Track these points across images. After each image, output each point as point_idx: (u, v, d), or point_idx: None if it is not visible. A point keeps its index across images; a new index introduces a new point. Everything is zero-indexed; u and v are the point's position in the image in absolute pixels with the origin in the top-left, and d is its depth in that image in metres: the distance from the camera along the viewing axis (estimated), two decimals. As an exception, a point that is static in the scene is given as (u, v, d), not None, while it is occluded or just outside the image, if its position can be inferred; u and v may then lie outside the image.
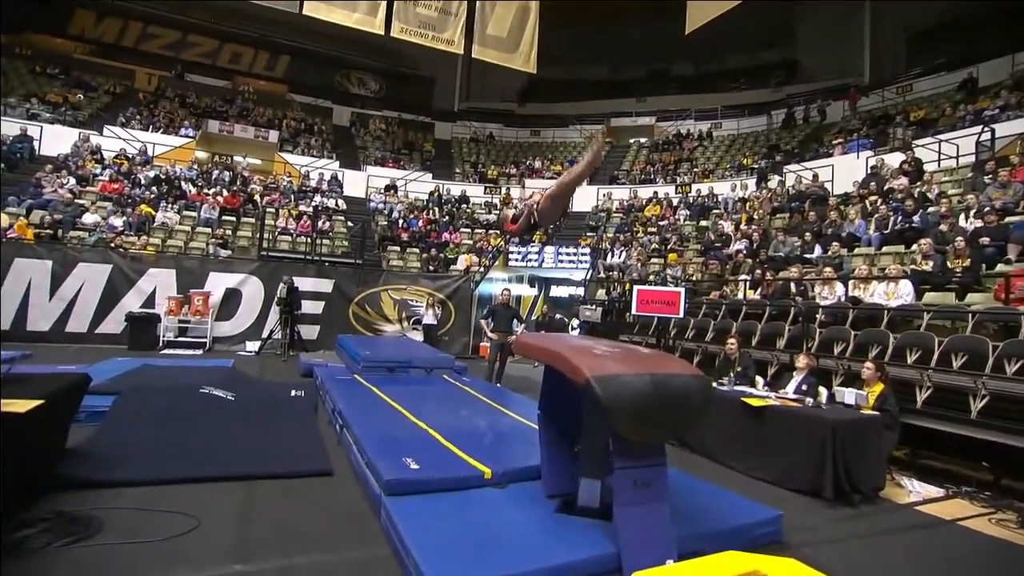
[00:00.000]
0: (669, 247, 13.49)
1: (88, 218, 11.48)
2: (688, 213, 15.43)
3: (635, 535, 2.73)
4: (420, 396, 5.87)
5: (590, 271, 13.72)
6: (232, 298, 10.39)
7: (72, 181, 12.42)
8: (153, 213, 12.45)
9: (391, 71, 24.78)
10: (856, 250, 8.97)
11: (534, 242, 15.33)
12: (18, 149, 13.40)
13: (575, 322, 11.43)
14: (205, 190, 14.38)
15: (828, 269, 8.00)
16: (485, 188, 19.16)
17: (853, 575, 3.13)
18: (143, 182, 13.66)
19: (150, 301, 9.86)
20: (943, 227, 7.69)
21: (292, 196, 15.48)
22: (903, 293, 6.71)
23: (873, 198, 10.33)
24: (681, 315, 8.20)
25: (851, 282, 7.52)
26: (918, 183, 10.10)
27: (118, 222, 11.54)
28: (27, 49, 18.48)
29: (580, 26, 21.25)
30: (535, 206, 3.88)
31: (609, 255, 14.00)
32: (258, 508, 3.46)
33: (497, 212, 17.43)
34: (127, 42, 21.35)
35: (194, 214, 13.17)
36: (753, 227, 11.77)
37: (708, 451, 5.21)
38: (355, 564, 2.88)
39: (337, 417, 5.15)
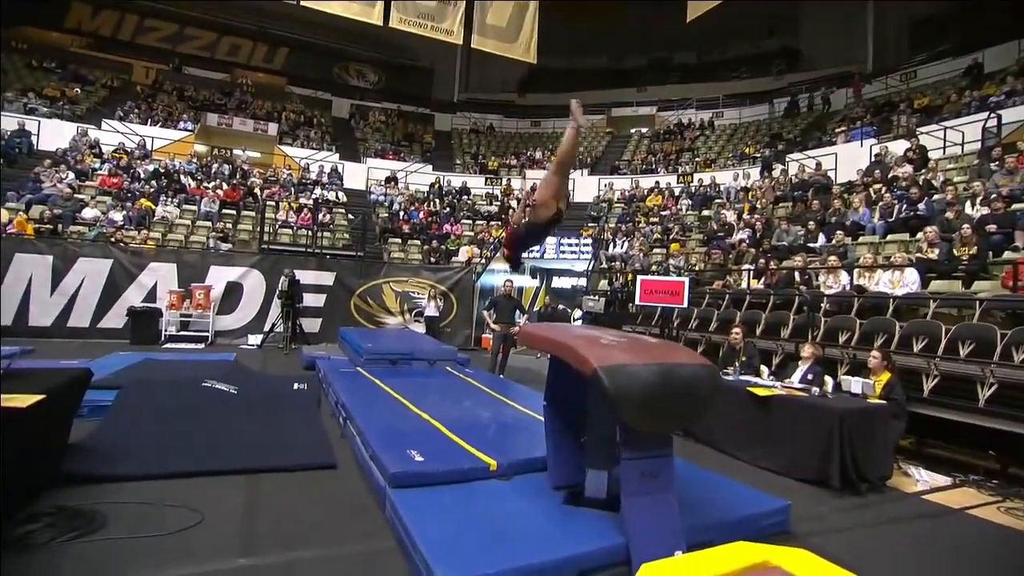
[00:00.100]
0: (671, 237, 13.43)
1: (88, 213, 11.44)
2: (690, 203, 15.35)
3: (643, 526, 2.70)
4: (423, 388, 5.84)
5: (592, 262, 13.67)
6: (233, 292, 10.36)
7: (71, 176, 12.37)
8: (153, 207, 12.40)
9: (390, 62, 24.59)
10: (860, 239, 8.92)
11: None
12: (16, 144, 13.34)
13: (578, 313, 11.39)
14: (205, 184, 14.32)
15: (832, 258, 7.95)
16: (486, 179, 19.07)
17: (862, 565, 3.10)
18: (142, 176, 13.60)
19: (151, 295, 9.83)
20: (949, 215, 7.63)
21: (292, 189, 15.42)
22: (909, 281, 6.66)
23: (877, 186, 10.25)
24: (685, 305, 8.16)
25: (856, 271, 7.47)
26: (923, 171, 10.03)
27: (118, 216, 11.50)
28: (23, 43, 18.35)
29: (580, 15, 21.03)
30: (531, 196, 3.84)
31: (611, 245, 13.95)
32: (262, 502, 3.44)
33: (498, 202, 17.39)
34: (124, 35, 21.19)
35: (194, 208, 13.12)
36: (756, 216, 11.71)
37: (713, 441, 5.19)
38: (360, 557, 2.86)
39: (340, 410, 5.13)
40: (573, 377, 3.06)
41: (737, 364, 5.95)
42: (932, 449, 5.48)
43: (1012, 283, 5.88)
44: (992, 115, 10.42)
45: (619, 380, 2.57)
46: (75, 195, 11.81)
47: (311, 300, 10.63)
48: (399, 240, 14.74)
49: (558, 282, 13.83)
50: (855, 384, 4.88)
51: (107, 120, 15.75)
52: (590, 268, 13.37)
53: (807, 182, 12.41)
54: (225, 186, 14.36)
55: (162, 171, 13.99)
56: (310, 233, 12.65)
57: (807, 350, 5.68)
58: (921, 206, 8.39)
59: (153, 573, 2.56)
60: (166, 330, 9.70)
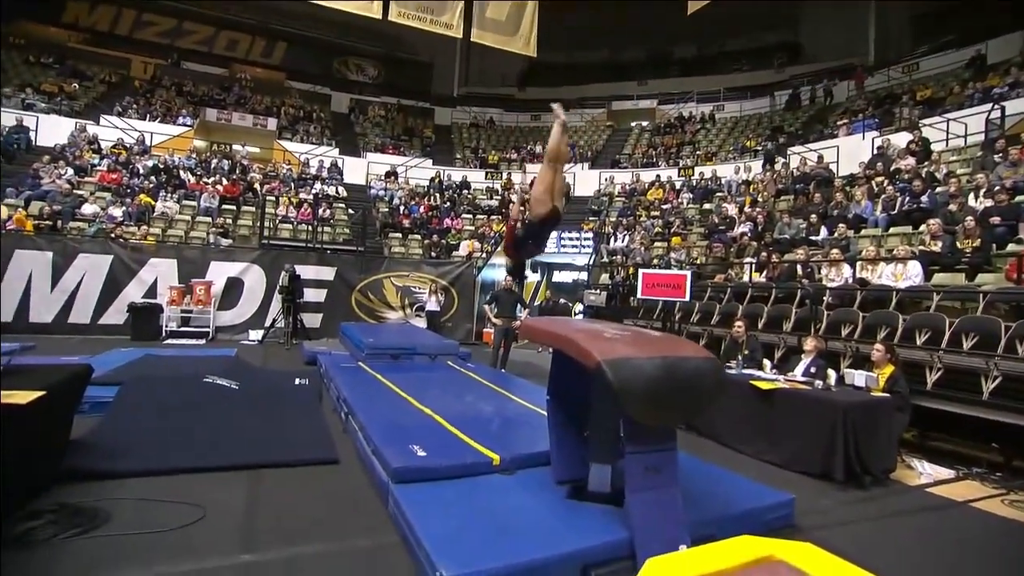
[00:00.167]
0: (672, 231, 13.38)
1: (87, 209, 11.41)
2: (691, 196, 15.29)
3: (647, 521, 2.69)
4: (425, 383, 5.83)
5: (593, 256, 13.64)
6: (234, 287, 10.34)
7: (70, 172, 12.32)
8: (153, 203, 12.36)
9: (389, 57, 24.50)
10: (863, 231, 8.88)
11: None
12: (15, 140, 13.28)
13: (579, 307, 11.37)
14: (204, 179, 14.27)
15: (835, 251, 7.91)
16: (486, 173, 19.01)
17: (867, 558, 3.07)
18: (142, 172, 13.55)
19: (152, 291, 9.81)
20: (952, 207, 7.57)
21: (292, 184, 15.37)
22: (912, 274, 6.62)
23: (880, 179, 10.19)
24: (687, 298, 8.13)
25: (858, 264, 7.43)
26: (925, 163, 9.97)
27: (118, 212, 11.46)
28: (21, 38, 18.26)
29: (580, 8, 20.92)
30: (526, 191, 3.86)
31: (612, 239, 13.91)
32: (264, 497, 3.43)
33: (498, 196, 17.33)
34: (121, 30, 21.11)
35: (194, 203, 13.08)
36: (757, 210, 11.66)
37: (716, 434, 5.18)
38: (363, 552, 2.85)
39: (342, 405, 5.12)
40: (576, 371, 3.05)
41: (740, 357, 5.93)
42: (935, 442, 5.46)
43: (1016, 275, 5.83)
44: (995, 107, 10.34)
45: (623, 373, 2.55)
46: (74, 191, 11.76)
47: (312, 295, 10.62)
48: (400, 235, 14.70)
49: (559, 276, 13.81)
50: (859, 377, 4.86)
51: (105, 116, 15.67)
52: (591, 262, 13.33)
53: (809, 175, 12.35)
54: (225, 181, 14.32)
55: (161, 167, 13.94)
56: (310, 228, 12.61)
57: (810, 343, 5.65)
58: (924, 199, 8.34)
59: (155, 570, 2.55)
60: (167, 326, 9.68)
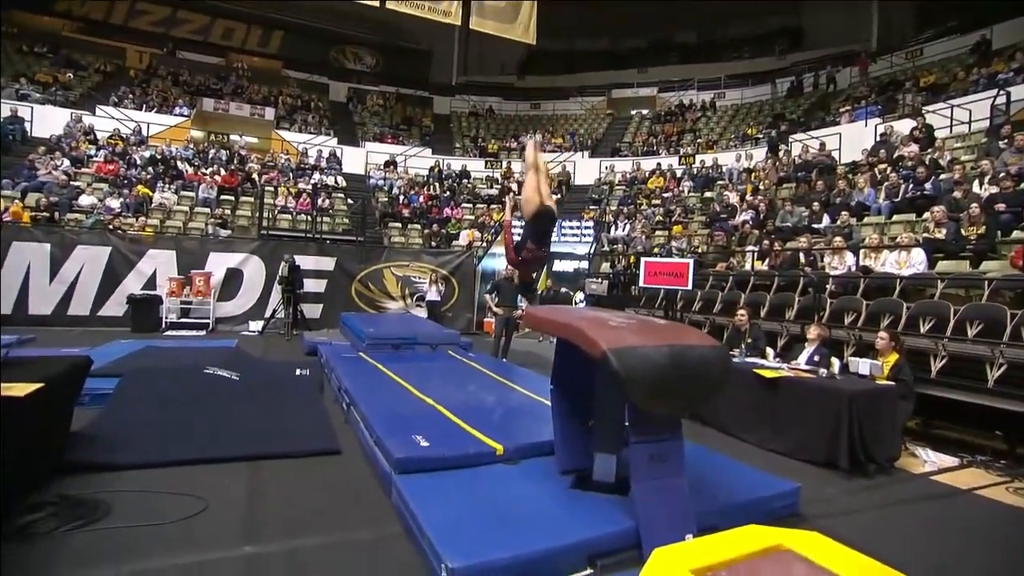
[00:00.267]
0: (673, 219, 13.32)
1: (84, 200, 11.33)
2: (692, 184, 15.21)
3: (653, 510, 2.67)
4: (426, 373, 5.80)
5: (594, 244, 13.58)
6: (234, 278, 10.28)
7: (66, 163, 12.23)
8: (150, 194, 12.27)
9: (387, 45, 24.26)
10: (866, 219, 8.82)
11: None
12: (10, 131, 13.15)
13: (580, 296, 11.33)
14: (202, 169, 14.17)
15: (838, 239, 7.86)
16: (486, 162, 18.90)
17: (872, 546, 3.05)
18: (139, 162, 13.45)
19: (151, 283, 9.76)
20: (957, 194, 7.51)
21: (291, 174, 15.26)
22: (915, 262, 6.58)
23: (883, 166, 10.11)
24: (689, 287, 8.10)
25: (862, 251, 7.38)
26: (929, 150, 9.88)
27: (115, 203, 11.38)
28: (13, 27, 18.04)
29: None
30: (515, 195, 4.22)
31: (613, 228, 13.85)
32: (266, 488, 3.41)
33: (498, 185, 17.23)
34: (116, 19, 20.87)
35: (192, 194, 13.00)
36: (759, 198, 11.58)
37: (720, 423, 5.16)
38: (367, 543, 2.83)
39: (343, 395, 5.10)
40: (581, 360, 3.01)
41: (743, 346, 5.91)
42: (938, 430, 5.45)
43: (1021, 262, 5.79)
44: (1001, 92, 10.24)
45: (629, 362, 2.52)
46: (71, 182, 11.67)
47: (312, 286, 10.57)
48: (399, 224, 14.63)
49: (559, 265, 13.74)
50: (863, 365, 4.83)
51: (101, 106, 15.54)
52: (592, 251, 13.28)
53: (811, 163, 12.26)
54: (223, 172, 14.22)
55: (159, 157, 13.83)
56: (309, 218, 12.54)
57: (813, 331, 5.62)
58: (928, 186, 8.28)
59: (158, 562, 2.53)
60: (167, 317, 9.64)
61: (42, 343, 7.19)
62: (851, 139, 12.71)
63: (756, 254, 9.05)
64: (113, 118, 15.13)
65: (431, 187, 16.78)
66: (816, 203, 9.64)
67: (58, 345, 6.79)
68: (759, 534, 2.13)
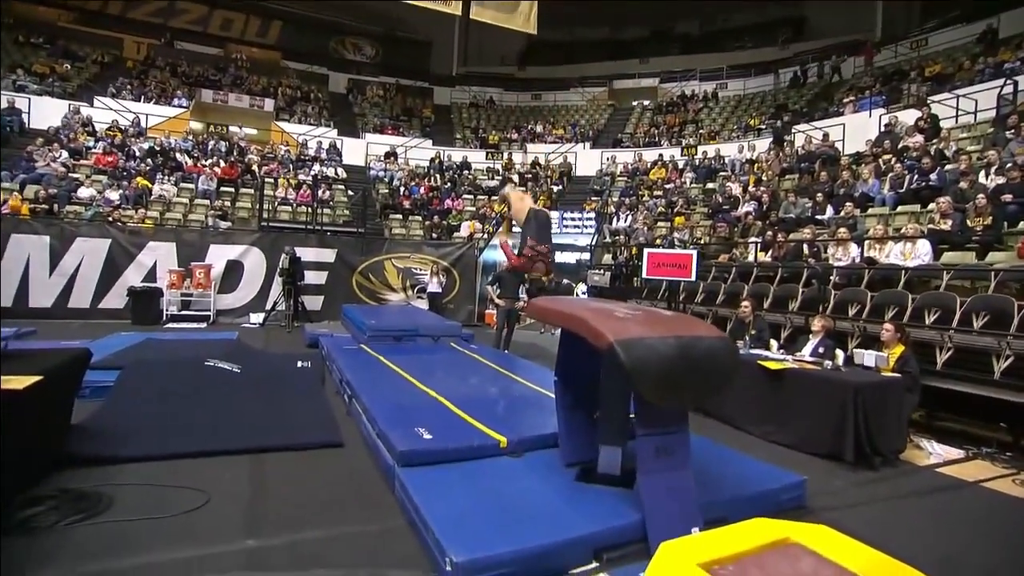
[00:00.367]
0: (675, 210, 13.25)
1: (83, 192, 11.27)
2: (694, 175, 15.13)
3: (659, 504, 2.65)
4: (428, 365, 5.77)
5: (595, 236, 13.52)
6: (234, 270, 10.23)
7: (65, 154, 12.15)
8: (149, 186, 12.22)
9: (387, 36, 24.05)
10: (870, 210, 8.75)
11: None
12: (7, 122, 13.06)
13: (582, 287, 11.28)
14: (201, 161, 14.10)
15: (842, 230, 7.80)
16: (487, 154, 18.80)
17: (879, 539, 3.02)
18: (138, 154, 13.38)
19: (151, 275, 9.71)
20: (963, 184, 7.44)
21: (291, 165, 15.20)
22: (921, 253, 6.53)
23: (887, 157, 10.03)
24: (693, 278, 8.05)
25: (866, 243, 7.33)
26: (934, 140, 9.79)
27: (114, 195, 11.33)
28: (9, 17, 17.88)
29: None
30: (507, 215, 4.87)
31: (614, 219, 13.78)
32: (268, 482, 3.38)
33: (499, 177, 17.15)
34: (113, 9, 20.65)
35: (191, 186, 12.93)
36: (762, 189, 11.51)
37: (724, 415, 5.12)
38: (370, 536, 2.80)
39: (345, 387, 5.07)
40: (586, 351, 2.98)
41: (746, 338, 5.87)
42: (942, 422, 5.43)
43: (1028, 253, 5.75)
44: (1008, 82, 10.12)
45: (636, 353, 2.48)
46: (70, 174, 11.61)
47: (312, 278, 10.52)
48: (400, 216, 14.58)
49: (561, 257, 13.68)
50: (868, 357, 4.80)
51: (99, 97, 15.43)
52: (594, 242, 13.22)
53: (814, 153, 12.17)
54: (222, 163, 14.15)
55: (158, 149, 13.76)
56: (310, 210, 12.47)
57: (818, 323, 5.59)
58: (933, 176, 8.20)
59: (160, 555, 2.50)
60: (167, 310, 9.61)
61: (43, 336, 7.17)
62: (855, 130, 12.59)
63: (759, 245, 8.99)
64: (111, 109, 15.03)
65: (432, 178, 16.70)
66: (819, 194, 9.57)
67: (59, 338, 6.76)
68: (767, 527, 2.10)
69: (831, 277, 7.05)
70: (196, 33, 21.51)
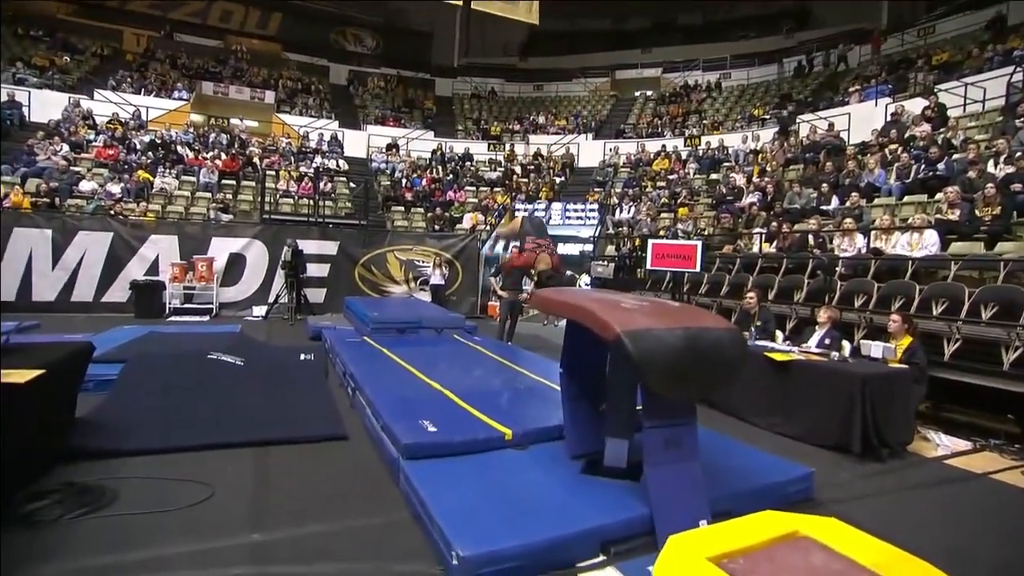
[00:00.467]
0: (679, 201, 13.18)
1: (85, 185, 11.24)
2: (698, 166, 15.03)
3: (667, 496, 2.62)
4: (432, 357, 5.75)
5: (598, 227, 13.46)
6: (236, 263, 10.21)
7: (65, 148, 12.12)
8: (151, 179, 12.18)
9: (388, 27, 23.87)
10: (876, 201, 8.67)
11: (540, 199, 15.05)
12: (8, 116, 13.02)
13: (585, 279, 11.24)
14: (203, 154, 14.05)
15: (848, 220, 7.74)
16: (489, 145, 18.70)
17: (887, 531, 2.98)
18: (138, 147, 13.33)
19: (154, 268, 9.70)
20: (971, 174, 7.36)
21: (292, 158, 15.14)
22: (928, 243, 6.47)
23: (893, 146, 9.92)
24: (698, 269, 8.01)
25: (872, 233, 7.27)
26: (942, 129, 9.69)
27: (116, 189, 11.29)
28: (7, 10, 17.77)
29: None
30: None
31: (617, 211, 13.71)
32: (273, 475, 3.37)
33: (501, 168, 17.07)
34: (111, 1, 20.50)
35: (193, 178, 12.90)
36: (766, 179, 11.43)
37: (730, 407, 5.09)
38: (375, 530, 2.79)
39: (349, 380, 5.05)
40: (592, 342, 2.95)
41: (752, 329, 5.82)
42: (949, 413, 5.39)
43: (1038, 243, 5.69)
44: (1017, 69, 9.99)
45: (643, 345, 2.45)
46: (71, 167, 11.58)
47: (315, 270, 10.49)
48: (402, 208, 14.53)
49: (564, 248, 13.64)
50: (875, 348, 4.76)
51: (99, 90, 15.35)
52: (597, 234, 13.16)
53: (819, 143, 12.07)
54: (224, 156, 14.09)
55: (158, 142, 13.71)
56: (312, 202, 12.43)
57: (824, 314, 5.54)
58: (940, 166, 8.11)
59: (165, 549, 2.49)
60: (170, 303, 9.60)
61: (46, 329, 7.16)
62: (860, 119, 12.48)
63: (764, 236, 8.93)
64: (111, 102, 14.96)
65: (434, 170, 16.62)
66: (825, 184, 9.49)
67: (62, 331, 6.75)
68: (775, 520, 2.08)
69: (837, 268, 7.00)
70: (196, 25, 21.35)
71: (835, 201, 9.06)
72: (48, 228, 9.21)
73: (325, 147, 16.39)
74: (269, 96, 18.01)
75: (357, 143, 17.47)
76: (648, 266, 8.60)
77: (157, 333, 7.04)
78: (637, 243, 10.91)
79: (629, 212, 13.34)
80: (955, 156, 8.33)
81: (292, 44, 22.24)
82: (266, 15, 22.57)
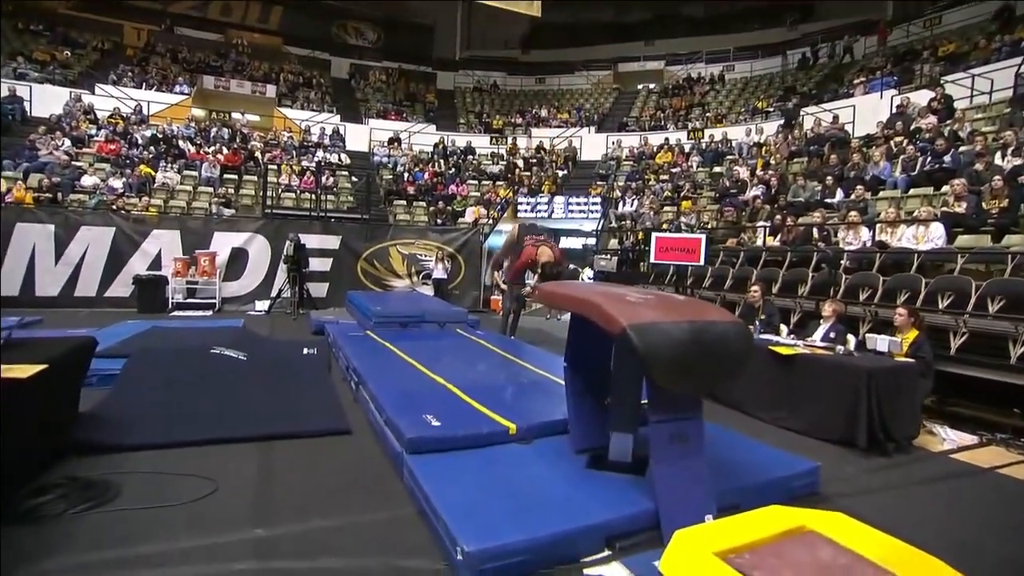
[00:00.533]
0: (682, 195, 13.11)
1: (87, 180, 11.23)
2: (701, 159, 14.95)
3: (673, 491, 2.60)
4: (435, 351, 5.73)
5: (602, 221, 13.42)
6: (239, 258, 10.21)
7: (67, 143, 12.09)
8: (153, 173, 12.16)
9: (389, 20, 23.74)
10: (881, 193, 8.61)
11: (543, 193, 15.00)
12: (9, 110, 12.99)
13: (588, 272, 11.21)
14: (204, 148, 14.03)
15: (853, 213, 7.68)
16: (491, 139, 18.65)
17: (894, 526, 2.96)
18: (140, 142, 13.31)
19: (156, 263, 9.70)
20: (978, 166, 7.29)
21: (294, 152, 15.10)
22: (934, 236, 6.42)
23: (899, 139, 9.85)
24: (702, 263, 7.97)
25: (878, 226, 7.21)
26: (948, 121, 9.61)
27: (118, 183, 11.28)
28: (8, 5, 17.71)
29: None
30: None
31: (620, 204, 13.66)
32: (276, 470, 3.36)
33: (503, 162, 17.01)
34: (112, -5, 20.43)
35: (195, 173, 12.88)
36: (770, 172, 11.35)
37: (734, 401, 5.06)
38: (380, 525, 2.77)
39: (352, 374, 5.04)
40: (596, 336, 2.92)
41: (756, 323, 5.80)
42: (954, 407, 5.36)
43: (1046, 236, 5.64)
44: (1025, 60, 9.89)
45: (649, 338, 2.42)
46: (72, 162, 11.56)
47: (317, 264, 10.49)
48: (404, 202, 14.50)
49: (566, 242, 13.61)
50: (881, 342, 4.73)
51: (101, 84, 15.33)
52: (600, 227, 13.12)
53: (823, 136, 11.98)
54: (225, 150, 14.07)
55: (160, 136, 13.68)
56: (314, 197, 12.41)
57: (829, 308, 5.51)
58: (947, 158, 8.05)
59: (168, 544, 2.48)
60: (173, 298, 9.60)
61: (49, 324, 7.17)
62: (865, 111, 12.39)
63: (768, 229, 8.88)
64: (113, 97, 14.94)
65: (436, 164, 16.58)
66: (829, 177, 9.42)
67: (66, 326, 6.76)
68: (782, 515, 2.07)
69: (842, 261, 6.95)
70: (196, 19, 21.28)
71: (840, 194, 8.99)
72: (51, 223, 9.22)
73: (327, 141, 16.36)
74: (270, 90, 17.96)
75: (359, 137, 17.42)
76: (652, 259, 8.56)
77: (160, 328, 7.04)
78: (640, 237, 10.86)
79: (632, 205, 13.29)
80: (962, 148, 8.26)
81: (293, 38, 22.16)
82: (267, 9, 22.48)
